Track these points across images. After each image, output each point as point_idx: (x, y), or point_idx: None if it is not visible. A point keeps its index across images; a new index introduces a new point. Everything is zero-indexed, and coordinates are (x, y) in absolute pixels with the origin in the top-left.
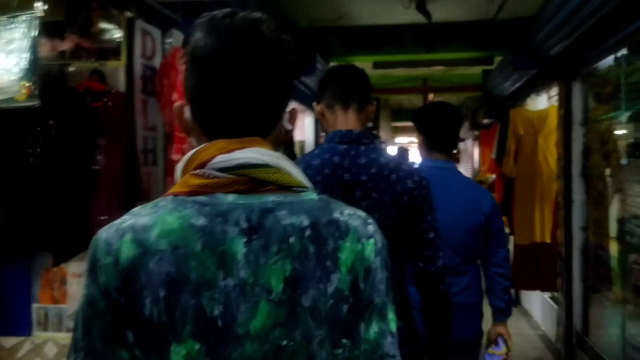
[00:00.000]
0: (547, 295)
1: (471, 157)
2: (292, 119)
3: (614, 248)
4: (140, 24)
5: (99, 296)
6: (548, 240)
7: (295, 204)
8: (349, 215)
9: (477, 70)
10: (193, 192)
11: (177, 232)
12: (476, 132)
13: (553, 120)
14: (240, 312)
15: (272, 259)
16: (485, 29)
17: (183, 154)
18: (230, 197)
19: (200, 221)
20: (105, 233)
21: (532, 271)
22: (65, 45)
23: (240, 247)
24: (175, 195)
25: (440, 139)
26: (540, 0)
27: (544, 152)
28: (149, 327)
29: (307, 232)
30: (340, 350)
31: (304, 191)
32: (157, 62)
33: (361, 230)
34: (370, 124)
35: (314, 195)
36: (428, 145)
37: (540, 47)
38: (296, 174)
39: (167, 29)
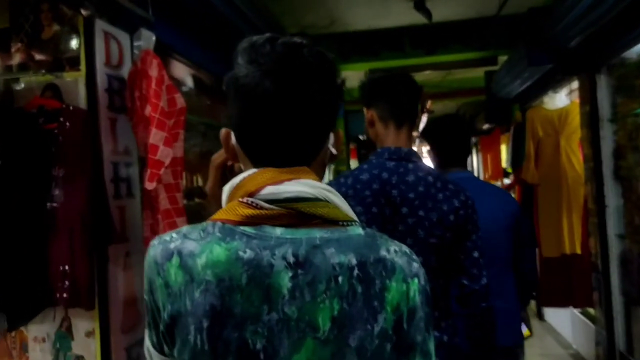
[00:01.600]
0: (577, 310)
1: (469, 164)
2: (337, 142)
3: None
4: (101, 25)
5: (156, 310)
6: (579, 252)
7: (343, 240)
8: (395, 252)
9: (476, 73)
10: (241, 222)
11: (224, 264)
12: (473, 139)
13: (575, 118)
14: (283, 346)
15: (320, 296)
16: (489, 26)
17: (159, 181)
18: (279, 231)
19: (247, 254)
20: (154, 250)
21: (562, 286)
22: (12, 57)
23: (285, 281)
24: (223, 222)
25: (456, 153)
26: None
27: (568, 153)
28: (193, 353)
29: (355, 272)
30: None
31: (351, 225)
32: (125, 71)
33: (407, 268)
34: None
35: (360, 230)
36: (444, 160)
37: (558, 39)
38: (343, 206)
39: (136, 29)
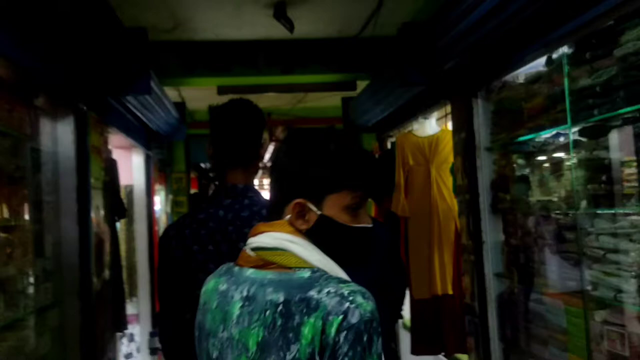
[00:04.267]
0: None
1: None
2: None
3: (557, 302)
4: None
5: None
6: (450, 292)
7: (283, 282)
8: (327, 293)
9: (331, 101)
10: (237, 264)
11: (209, 292)
12: None
13: (447, 146)
14: (227, 358)
15: (253, 324)
16: (351, 47)
17: None
18: (249, 272)
19: (223, 287)
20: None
21: (434, 331)
22: None
23: (236, 309)
24: (235, 264)
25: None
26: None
27: (439, 184)
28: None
29: (280, 308)
30: None
31: (300, 269)
32: None
33: (333, 307)
34: (206, 166)
35: (306, 274)
36: None
37: (433, 59)
38: (302, 254)
39: None
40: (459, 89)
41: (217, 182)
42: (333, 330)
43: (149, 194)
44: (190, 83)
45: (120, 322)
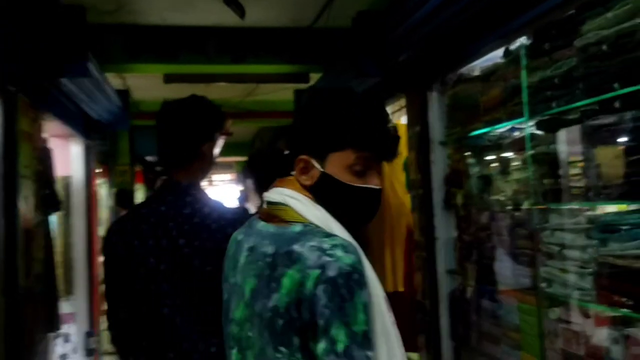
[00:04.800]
0: None
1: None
2: None
3: (510, 299)
4: None
5: None
6: (401, 289)
7: (277, 234)
8: (310, 247)
9: (281, 95)
10: (258, 217)
11: (232, 242)
12: None
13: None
14: (232, 302)
15: (250, 272)
16: (305, 38)
17: None
18: (260, 224)
19: (240, 237)
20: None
21: None
22: None
23: (242, 259)
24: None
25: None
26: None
27: (391, 180)
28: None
29: (268, 259)
30: (280, 355)
31: (295, 224)
32: None
33: (312, 261)
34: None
35: (298, 228)
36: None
37: (388, 51)
38: (300, 209)
39: None
40: (414, 81)
41: (164, 177)
42: (311, 283)
43: (89, 186)
44: (134, 69)
45: (53, 322)
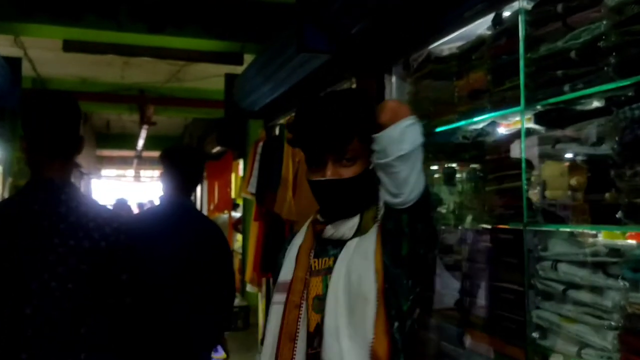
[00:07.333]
0: None
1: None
2: None
3: (485, 348)
4: None
5: None
6: None
7: None
8: None
9: (211, 84)
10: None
11: None
12: None
13: None
14: None
15: None
16: (239, 10)
17: None
18: None
19: None
20: None
21: None
22: None
23: None
24: None
25: (185, 185)
26: None
27: None
28: None
29: None
30: None
31: None
32: None
33: None
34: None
35: None
36: (173, 189)
37: (337, 23)
38: None
39: None
40: (369, 61)
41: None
42: None
43: None
44: (27, 31)
45: None
